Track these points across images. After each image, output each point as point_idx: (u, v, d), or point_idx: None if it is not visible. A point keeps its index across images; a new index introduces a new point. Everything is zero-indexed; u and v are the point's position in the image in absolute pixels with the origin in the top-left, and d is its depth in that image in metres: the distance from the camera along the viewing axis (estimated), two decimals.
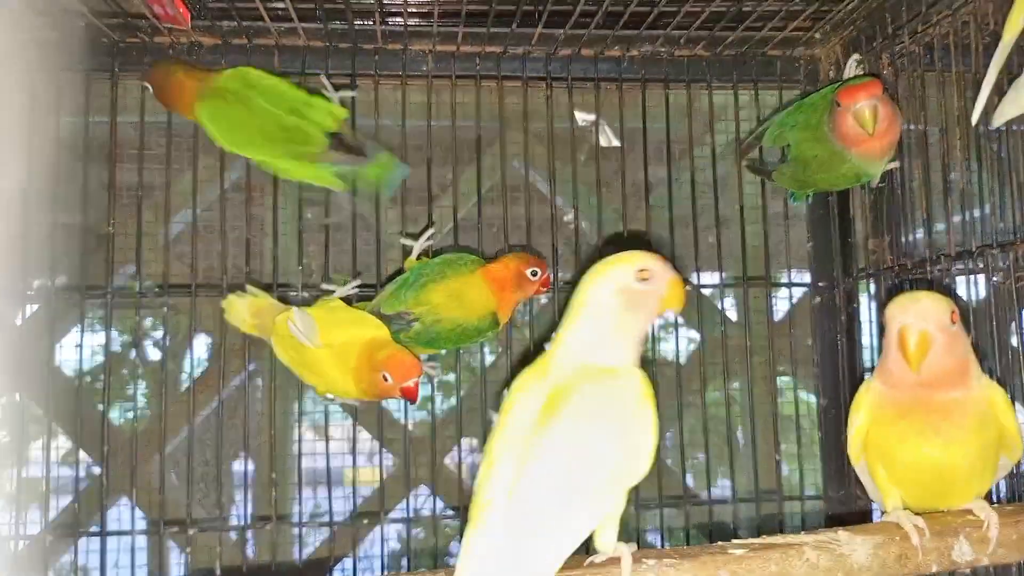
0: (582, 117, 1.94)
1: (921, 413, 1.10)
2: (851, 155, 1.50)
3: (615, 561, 0.97)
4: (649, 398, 0.98)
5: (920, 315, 1.07)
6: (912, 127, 1.58)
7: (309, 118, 1.49)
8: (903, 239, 1.67)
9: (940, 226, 1.57)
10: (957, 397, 1.10)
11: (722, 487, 1.93)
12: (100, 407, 1.66)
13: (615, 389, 0.97)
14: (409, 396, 1.41)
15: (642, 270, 1.01)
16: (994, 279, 1.47)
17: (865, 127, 1.41)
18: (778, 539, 1.04)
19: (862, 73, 1.66)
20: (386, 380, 1.39)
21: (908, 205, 1.64)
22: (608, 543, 0.97)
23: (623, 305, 1.00)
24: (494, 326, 1.57)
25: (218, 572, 1.57)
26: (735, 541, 1.03)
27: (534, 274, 1.56)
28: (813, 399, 1.86)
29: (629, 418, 0.97)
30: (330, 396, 1.64)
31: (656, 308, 1.03)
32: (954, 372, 1.10)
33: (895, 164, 1.61)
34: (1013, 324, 1.46)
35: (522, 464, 0.93)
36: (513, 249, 1.67)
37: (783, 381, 1.94)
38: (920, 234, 1.64)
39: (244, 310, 1.52)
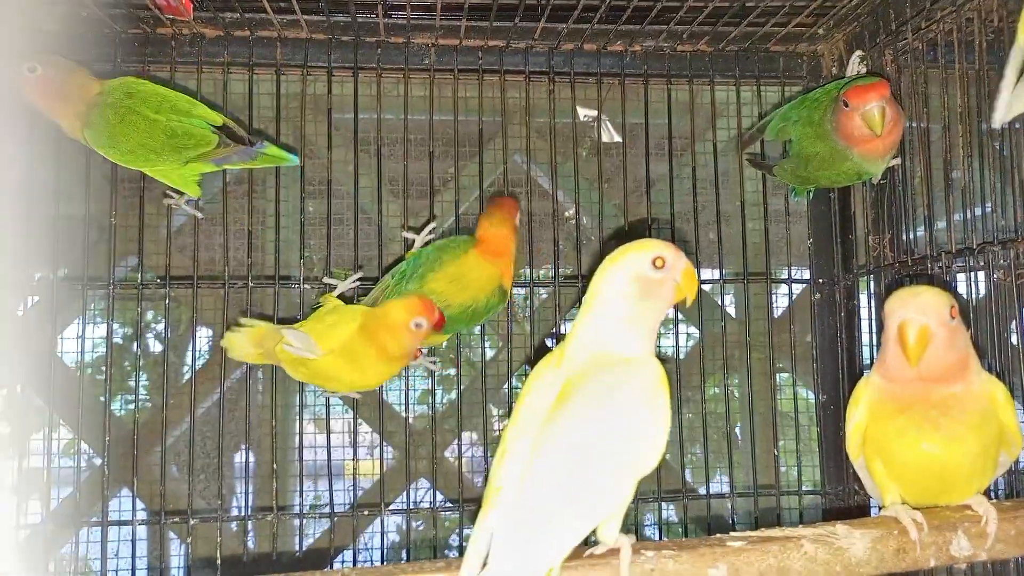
0: (584, 112, 1.94)
1: (920, 408, 1.10)
2: (853, 153, 1.50)
3: (615, 552, 0.97)
4: (663, 388, 0.97)
5: (920, 309, 1.07)
6: (914, 124, 1.58)
7: (194, 115, 1.46)
8: (904, 236, 1.66)
9: (941, 223, 1.57)
10: (956, 392, 1.09)
11: (720, 482, 1.93)
12: (102, 398, 1.66)
13: (629, 379, 0.97)
14: (442, 323, 1.48)
15: (657, 258, 1.00)
16: (995, 276, 1.47)
17: (874, 129, 1.41)
18: (776, 532, 1.04)
19: (865, 70, 1.66)
20: (421, 327, 1.43)
21: (909, 202, 1.64)
22: (609, 535, 0.97)
23: (638, 293, 0.99)
24: (503, 297, 1.59)
25: (219, 562, 1.58)
26: (733, 534, 1.03)
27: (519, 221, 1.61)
28: (812, 395, 1.86)
29: (641, 408, 0.96)
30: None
31: (671, 296, 1.02)
32: (954, 367, 1.09)
33: (896, 161, 1.61)
34: (1014, 322, 1.46)
35: (534, 453, 0.93)
36: None
37: (782, 377, 1.94)
38: (921, 231, 1.63)
39: (246, 343, 1.50)
